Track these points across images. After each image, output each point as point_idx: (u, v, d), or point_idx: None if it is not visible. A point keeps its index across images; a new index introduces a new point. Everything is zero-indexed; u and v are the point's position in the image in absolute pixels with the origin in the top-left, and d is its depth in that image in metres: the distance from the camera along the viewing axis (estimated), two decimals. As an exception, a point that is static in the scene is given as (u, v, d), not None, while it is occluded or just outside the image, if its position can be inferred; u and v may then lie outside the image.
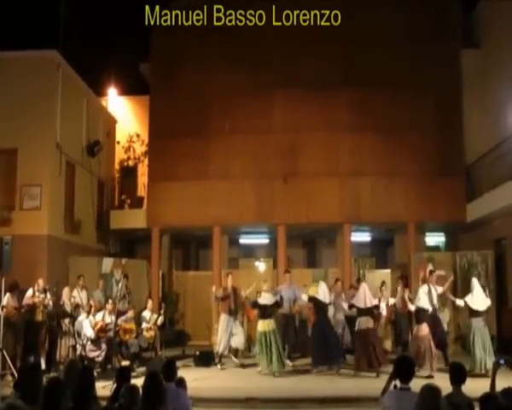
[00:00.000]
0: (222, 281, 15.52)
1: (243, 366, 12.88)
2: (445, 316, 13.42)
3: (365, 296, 11.68)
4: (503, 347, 13.68)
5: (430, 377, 10.36)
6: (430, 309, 11.60)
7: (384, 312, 13.10)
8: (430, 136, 16.27)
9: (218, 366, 12.77)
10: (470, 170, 16.24)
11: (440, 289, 12.13)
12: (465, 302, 11.65)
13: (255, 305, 12.39)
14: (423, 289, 11.76)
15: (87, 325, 11.78)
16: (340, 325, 13.31)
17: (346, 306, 12.62)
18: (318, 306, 12.18)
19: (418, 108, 16.32)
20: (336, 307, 12.98)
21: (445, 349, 12.11)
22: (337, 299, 12.86)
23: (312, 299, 12.26)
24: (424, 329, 11.27)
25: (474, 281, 11.84)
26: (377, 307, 12.13)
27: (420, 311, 11.44)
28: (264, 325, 11.91)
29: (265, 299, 12.09)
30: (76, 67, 15.97)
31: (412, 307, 11.77)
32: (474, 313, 11.48)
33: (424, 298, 11.55)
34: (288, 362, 12.69)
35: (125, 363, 11.77)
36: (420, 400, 4.50)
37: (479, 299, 11.50)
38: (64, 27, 15.98)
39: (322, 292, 12.08)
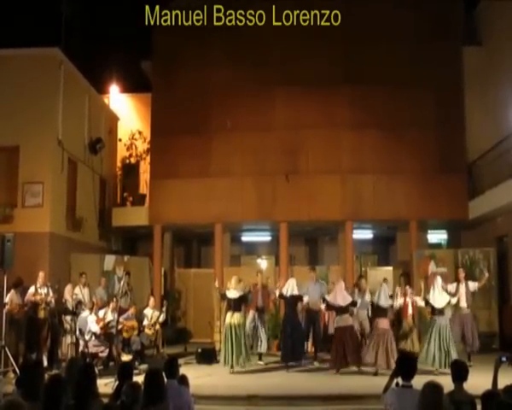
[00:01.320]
0: (224, 279, 15.58)
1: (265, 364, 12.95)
2: (446, 313, 13.36)
3: (336, 295, 11.76)
4: (505, 344, 13.68)
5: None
6: (386, 306, 11.56)
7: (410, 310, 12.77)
8: (432, 133, 16.24)
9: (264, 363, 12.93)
10: (472, 167, 16.22)
11: (475, 285, 12.13)
12: (426, 301, 11.59)
13: (223, 297, 12.44)
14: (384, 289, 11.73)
15: (92, 321, 11.79)
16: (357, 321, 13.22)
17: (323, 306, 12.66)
18: (287, 301, 12.49)
19: (420, 105, 16.29)
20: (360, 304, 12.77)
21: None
22: (361, 297, 12.70)
23: (281, 295, 12.58)
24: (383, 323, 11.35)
25: (438, 279, 11.67)
26: (354, 303, 11.96)
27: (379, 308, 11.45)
28: (231, 318, 11.95)
29: (232, 293, 12.11)
30: (78, 65, 15.98)
31: (422, 303, 11.80)
32: (435, 310, 11.40)
33: (383, 296, 11.55)
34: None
35: (127, 358, 11.79)
36: (422, 397, 4.50)
37: (438, 296, 11.35)
38: (66, 25, 15.94)
39: (290, 287, 12.31)
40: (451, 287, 12.12)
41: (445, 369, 10.41)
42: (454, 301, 11.69)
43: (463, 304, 12.10)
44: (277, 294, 12.79)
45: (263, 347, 13.06)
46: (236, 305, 11.97)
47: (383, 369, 10.80)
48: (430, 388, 4.50)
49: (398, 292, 12.89)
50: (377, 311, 11.55)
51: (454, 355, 10.66)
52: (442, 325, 11.25)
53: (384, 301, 11.45)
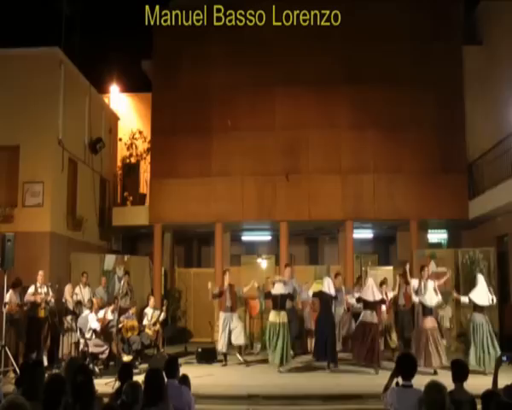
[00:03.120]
0: (224, 279, 15.58)
1: (246, 362, 12.88)
2: (447, 313, 13.40)
3: (373, 290, 11.86)
4: (506, 343, 13.66)
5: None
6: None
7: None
8: (432, 133, 16.24)
9: (222, 363, 12.79)
10: (472, 167, 16.21)
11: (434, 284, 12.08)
12: (469, 299, 11.64)
13: (268, 295, 12.39)
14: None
15: (92, 319, 11.79)
16: (339, 318, 13.34)
17: (353, 300, 12.60)
18: (324, 300, 12.18)
19: (420, 105, 16.28)
20: (338, 301, 12.95)
21: None
22: (338, 293, 12.84)
23: (318, 293, 12.25)
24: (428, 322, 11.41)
25: (480, 277, 11.85)
26: (383, 301, 12.18)
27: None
28: (275, 317, 11.93)
29: (278, 289, 12.06)
30: (78, 64, 15.96)
31: (416, 299, 11.85)
32: (476, 308, 11.51)
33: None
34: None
35: (127, 358, 11.80)
36: (425, 396, 4.52)
37: (482, 294, 11.49)
38: (66, 24, 15.95)
39: (327, 285, 12.13)
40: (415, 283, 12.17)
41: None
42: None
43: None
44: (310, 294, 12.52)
45: (239, 338, 12.97)
46: (282, 302, 11.97)
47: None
48: (433, 387, 4.51)
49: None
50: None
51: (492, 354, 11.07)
52: (481, 323, 11.40)
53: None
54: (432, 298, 11.51)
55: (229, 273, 13.35)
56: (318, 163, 16.26)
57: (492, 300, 11.55)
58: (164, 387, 5.07)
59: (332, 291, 12.09)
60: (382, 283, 13.29)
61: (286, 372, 11.72)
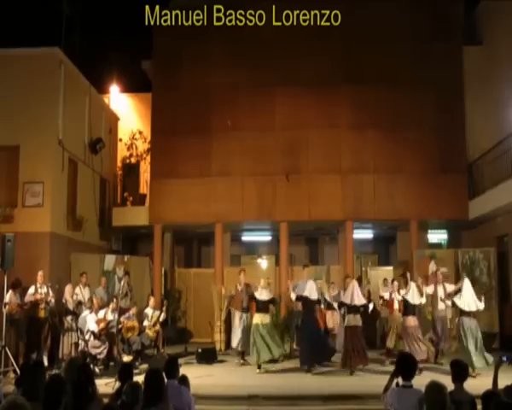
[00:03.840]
0: (224, 279, 15.60)
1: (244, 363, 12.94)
2: (447, 314, 13.37)
3: (353, 294, 11.76)
4: (506, 344, 13.68)
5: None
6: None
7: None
8: (432, 133, 16.24)
9: (241, 361, 12.89)
10: (472, 167, 16.21)
11: (451, 288, 12.09)
12: (454, 303, 11.57)
13: (252, 297, 12.49)
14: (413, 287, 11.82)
15: (91, 320, 11.78)
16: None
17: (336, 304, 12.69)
18: (306, 304, 12.20)
19: (420, 105, 16.28)
20: None
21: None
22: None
23: (301, 297, 12.25)
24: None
25: (466, 280, 11.61)
26: (366, 306, 12.06)
27: None
28: (258, 319, 12.06)
29: (262, 295, 12.21)
30: (78, 65, 15.96)
31: (399, 297, 12.00)
32: (463, 312, 11.25)
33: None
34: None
35: (127, 358, 11.79)
36: (426, 396, 4.52)
37: (468, 299, 11.23)
38: (66, 24, 15.95)
39: (309, 289, 12.11)
40: (429, 289, 12.27)
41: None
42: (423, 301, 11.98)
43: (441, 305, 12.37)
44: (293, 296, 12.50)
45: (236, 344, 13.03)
46: (264, 307, 12.12)
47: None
48: (434, 387, 4.52)
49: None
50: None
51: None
52: (472, 327, 11.20)
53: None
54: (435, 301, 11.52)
55: (244, 273, 13.46)
56: (318, 163, 16.26)
57: (479, 305, 11.25)
58: (164, 387, 5.07)
59: (314, 296, 12.08)
60: (394, 280, 13.22)
61: (285, 373, 11.71)
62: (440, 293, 12.00)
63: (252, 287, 13.08)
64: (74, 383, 4.91)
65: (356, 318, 11.73)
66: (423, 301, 11.92)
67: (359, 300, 11.79)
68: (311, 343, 11.87)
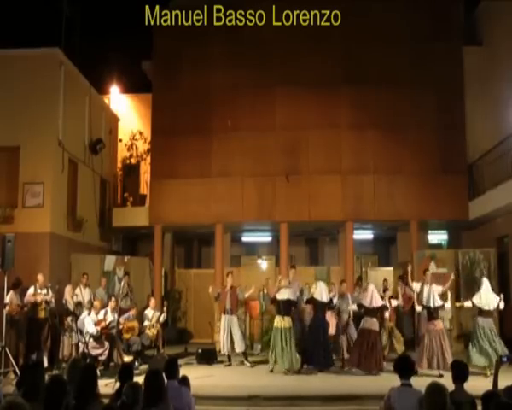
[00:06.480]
0: (224, 279, 15.54)
1: (252, 365, 12.83)
2: (446, 314, 13.36)
3: (372, 297, 11.68)
4: (506, 344, 13.64)
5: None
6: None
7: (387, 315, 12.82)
8: (432, 134, 16.24)
9: (226, 363, 12.82)
10: (472, 168, 16.20)
11: (439, 289, 12.01)
12: (473, 303, 11.58)
13: (273, 301, 12.32)
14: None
15: (89, 322, 11.75)
16: (342, 324, 13.22)
17: (354, 306, 12.48)
18: (317, 306, 12.09)
19: (420, 105, 16.28)
20: (343, 308, 12.83)
21: None
22: (343, 299, 12.78)
23: (311, 299, 12.17)
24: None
25: (485, 280, 11.79)
26: (385, 307, 12.05)
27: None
28: (279, 322, 11.88)
29: (283, 295, 11.99)
30: (78, 65, 15.95)
31: (419, 308, 11.87)
32: (482, 312, 11.40)
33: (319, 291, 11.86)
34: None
35: (128, 359, 11.77)
36: (426, 397, 4.52)
37: (488, 297, 11.40)
38: (66, 25, 15.93)
39: (320, 292, 12.01)
40: (416, 286, 12.19)
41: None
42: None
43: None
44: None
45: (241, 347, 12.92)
46: (285, 308, 11.92)
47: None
48: (435, 387, 4.52)
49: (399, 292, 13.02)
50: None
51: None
52: (489, 327, 11.39)
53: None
54: (436, 301, 11.44)
55: (231, 276, 13.39)
56: (318, 164, 16.25)
57: (500, 300, 11.53)
58: (164, 388, 5.07)
59: (325, 298, 11.98)
60: (386, 289, 13.19)
61: (292, 374, 11.67)
62: (425, 294, 11.82)
63: (238, 290, 13.08)
64: (77, 384, 4.90)
65: (372, 321, 11.62)
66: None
67: (377, 302, 11.71)
68: (318, 345, 11.77)
